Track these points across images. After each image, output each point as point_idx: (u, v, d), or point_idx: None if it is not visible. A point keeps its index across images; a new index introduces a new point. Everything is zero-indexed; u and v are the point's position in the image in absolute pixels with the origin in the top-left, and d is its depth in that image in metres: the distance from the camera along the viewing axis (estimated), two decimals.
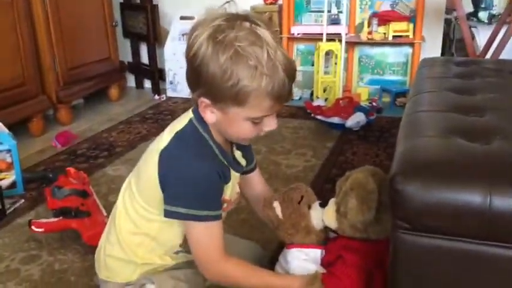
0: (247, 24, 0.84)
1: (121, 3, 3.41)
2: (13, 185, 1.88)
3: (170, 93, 3.33)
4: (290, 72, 0.86)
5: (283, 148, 2.40)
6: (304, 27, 3.15)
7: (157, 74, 3.36)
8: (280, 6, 3.15)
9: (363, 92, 3.14)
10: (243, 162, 1.07)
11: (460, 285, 0.81)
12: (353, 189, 0.99)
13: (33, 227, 1.51)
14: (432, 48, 3.01)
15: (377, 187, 0.98)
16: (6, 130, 1.95)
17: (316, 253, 1.06)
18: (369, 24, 3.01)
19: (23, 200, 1.84)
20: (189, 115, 0.96)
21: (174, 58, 3.24)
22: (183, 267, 1.07)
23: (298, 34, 3.12)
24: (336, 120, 2.61)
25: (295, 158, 2.27)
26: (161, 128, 2.49)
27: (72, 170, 1.80)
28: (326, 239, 1.09)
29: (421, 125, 1.04)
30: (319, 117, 2.67)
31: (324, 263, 1.05)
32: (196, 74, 0.86)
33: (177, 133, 0.93)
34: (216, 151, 0.95)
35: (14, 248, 1.54)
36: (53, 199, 1.60)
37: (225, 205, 1.01)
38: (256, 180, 1.16)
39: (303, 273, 1.02)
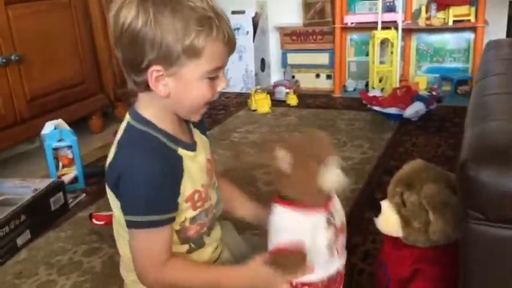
0: None
1: None
2: (75, 180, 1.94)
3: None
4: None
5: (338, 140, 2.34)
6: (357, 16, 3.06)
7: None
8: None
9: (421, 80, 3.02)
10: (203, 139, 1.00)
11: None
12: (435, 209, 0.90)
13: (94, 220, 1.55)
14: (496, 32, 2.84)
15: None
16: (67, 127, 2.02)
17: (320, 216, 0.87)
18: (427, 10, 2.89)
19: (84, 194, 1.90)
20: (126, 119, 0.90)
21: None
22: None
23: (352, 23, 3.04)
24: (393, 110, 2.52)
25: (351, 150, 2.21)
26: (214, 123, 2.49)
27: None
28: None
29: (490, 108, 0.97)
30: (375, 108, 2.59)
31: (394, 279, 0.98)
32: (140, 45, 0.79)
33: (118, 142, 0.88)
34: (164, 139, 0.88)
35: (76, 240, 1.58)
36: None
37: (199, 203, 0.92)
38: None
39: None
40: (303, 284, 0.89)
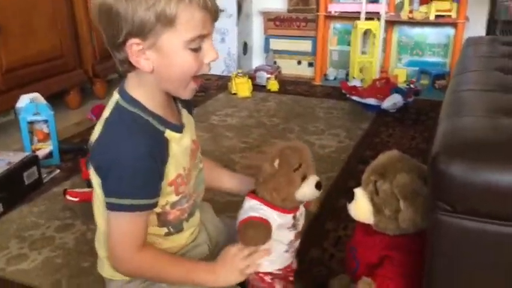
0: None
1: None
2: (50, 155, 1.92)
3: None
4: None
5: (316, 128, 2.36)
6: (342, 5, 3.07)
7: None
8: None
9: (400, 73, 3.05)
10: (190, 120, 0.99)
11: (505, 271, 0.78)
12: (406, 198, 0.92)
13: (67, 196, 1.54)
14: (476, 29, 2.89)
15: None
16: (44, 101, 1.98)
17: (287, 218, 0.97)
18: (410, 3, 2.91)
19: (58, 170, 1.88)
20: (114, 98, 0.88)
21: None
22: (188, 251, 1.01)
23: (335, 12, 3.05)
24: (371, 101, 2.55)
25: (328, 138, 2.23)
26: (194, 105, 2.46)
27: None
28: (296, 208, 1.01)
29: (465, 104, 0.99)
30: (354, 97, 2.61)
31: (363, 264, 1.01)
32: (115, 21, 0.79)
33: (106, 120, 0.86)
34: (154, 122, 0.86)
35: (49, 216, 1.57)
36: (87, 170, 1.62)
37: (181, 188, 0.92)
38: None
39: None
40: (266, 274, 0.99)
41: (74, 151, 2.03)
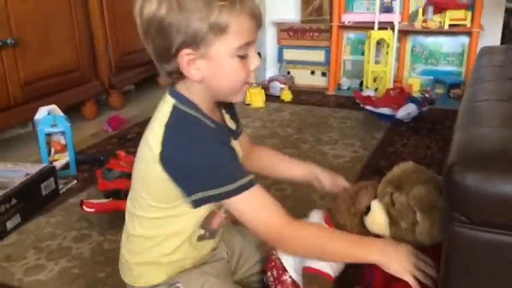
0: None
1: None
2: (66, 166, 1.95)
3: None
4: None
5: (330, 138, 2.36)
6: (355, 15, 3.08)
7: None
8: None
9: (415, 82, 3.05)
10: (233, 126, 1.01)
11: None
12: (423, 211, 0.92)
13: (84, 207, 1.55)
14: (491, 38, 2.88)
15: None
16: (61, 113, 2.01)
17: None
18: (424, 13, 2.91)
19: (75, 181, 1.90)
20: (170, 102, 0.89)
21: None
22: (210, 260, 1.02)
23: (349, 22, 3.05)
24: (386, 111, 2.54)
25: (342, 148, 2.23)
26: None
27: (122, 153, 1.84)
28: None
29: (481, 114, 0.99)
30: (368, 107, 2.61)
31: (377, 276, 1.00)
32: (167, 32, 0.81)
33: (167, 125, 0.86)
34: (211, 125, 0.89)
35: (66, 226, 1.59)
36: (103, 181, 1.64)
37: None
38: (245, 142, 1.09)
39: None
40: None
41: (90, 162, 2.05)
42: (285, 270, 1.02)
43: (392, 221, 0.96)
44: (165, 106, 0.89)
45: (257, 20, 0.85)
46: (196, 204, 0.88)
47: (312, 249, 0.92)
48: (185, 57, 0.82)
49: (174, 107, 0.88)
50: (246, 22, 0.82)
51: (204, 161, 0.84)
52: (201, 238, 0.98)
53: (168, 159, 0.86)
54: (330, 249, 0.92)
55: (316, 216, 1.06)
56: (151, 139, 0.87)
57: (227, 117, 1.00)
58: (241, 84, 0.88)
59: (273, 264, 1.04)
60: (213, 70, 0.84)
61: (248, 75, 0.88)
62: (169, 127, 0.86)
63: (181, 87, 0.89)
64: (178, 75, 0.86)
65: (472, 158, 0.78)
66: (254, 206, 0.87)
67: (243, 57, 0.85)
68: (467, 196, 0.74)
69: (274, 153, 1.19)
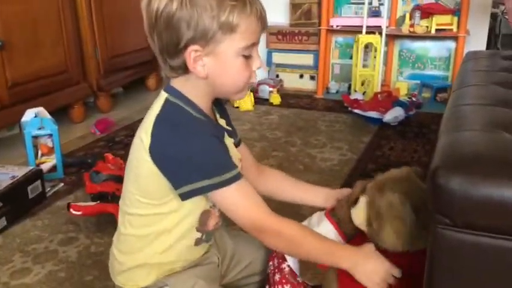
0: None
1: None
2: (53, 168, 1.94)
3: None
4: None
5: (318, 141, 2.37)
6: (343, 19, 3.10)
7: None
8: None
9: (402, 86, 3.07)
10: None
11: (504, 285, 0.78)
12: (387, 219, 0.93)
13: (71, 210, 1.54)
14: (477, 42, 2.92)
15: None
16: (48, 115, 2.00)
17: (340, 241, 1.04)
18: (411, 17, 2.94)
19: (62, 184, 1.89)
20: (163, 96, 0.90)
21: None
22: (200, 263, 1.01)
23: (337, 26, 3.08)
24: (373, 114, 2.56)
25: (330, 151, 2.24)
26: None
27: (110, 156, 1.83)
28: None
29: (465, 118, 1.00)
30: (356, 111, 2.63)
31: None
32: (176, 27, 0.82)
33: (157, 117, 0.88)
34: (203, 119, 0.90)
35: (53, 229, 1.58)
36: (91, 184, 1.64)
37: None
38: (245, 153, 1.10)
39: None
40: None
41: (77, 165, 2.04)
42: (284, 259, 1.03)
43: (368, 219, 0.98)
44: (159, 101, 0.91)
45: (264, 22, 0.88)
46: (185, 197, 0.88)
47: (289, 246, 0.92)
48: (192, 53, 0.84)
49: (166, 100, 0.90)
50: (253, 23, 0.85)
51: (192, 153, 0.85)
52: (198, 242, 0.98)
53: (157, 151, 0.87)
54: (304, 250, 0.92)
55: (317, 215, 1.07)
56: (143, 131, 0.89)
57: (222, 121, 1.01)
58: (244, 83, 0.90)
59: (274, 254, 1.04)
60: (218, 67, 0.87)
61: (251, 75, 0.90)
62: (160, 119, 0.88)
63: (178, 82, 0.90)
64: (182, 70, 0.87)
65: (455, 161, 0.79)
66: (239, 199, 0.88)
67: (247, 58, 0.88)
68: (451, 199, 0.76)
69: (282, 177, 1.16)
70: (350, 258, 0.93)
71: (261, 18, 0.86)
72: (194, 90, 0.90)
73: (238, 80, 0.89)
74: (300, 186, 1.15)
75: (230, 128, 1.03)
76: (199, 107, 0.90)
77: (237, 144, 1.06)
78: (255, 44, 0.88)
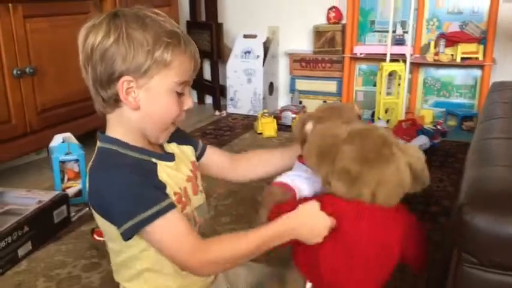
0: (130, 9, 0.88)
1: (187, 22, 3.52)
2: (79, 193, 1.97)
3: (230, 110, 3.38)
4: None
5: None
6: (367, 47, 3.11)
7: (218, 91, 3.42)
8: (344, 26, 3.13)
9: (427, 114, 3.04)
10: (184, 150, 1.02)
11: None
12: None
13: (95, 236, 1.56)
14: (503, 71, 2.88)
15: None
16: (75, 141, 2.05)
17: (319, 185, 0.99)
18: (436, 45, 2.93)
19: (87, 209, 1.91)
20: (96, 146, 0.93)
21: (235, 75, 3.30)
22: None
23: (361, 54, 3.08)
24: None
25: None
26: (220, 144, 2.51)
27: None
28: None
29: (491, 152, 0.99)
30: None
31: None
32: (111, 59, 0.84)
33: (90, 168, 0.90)
34: (135, 155, 0.90)
35: (76, 254, 1.60)
36: None
37: (186, 208, 0.94)
38: (214, 156, 1.11)
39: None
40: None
41: None
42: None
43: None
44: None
45: (196, 63, 0.91)
46: (125, 237, 0.85)
47: (230, 262, 0.89)
48: (125, 83, 0.86)
49: (98, 148, 0.92)
50: (187, 62, 0.88)
51: (116, 191, 0.84)
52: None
53: (92, 197, 0.89)
54: (243, 254, 0.88)
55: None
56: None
57: (173, 145, 1.00)
58: (170, 120, 0.92)
59: None
60: (149, 101, 0.88)
61: (179, 114, 0.92)
62: (92, 168, 0.90)
63: (112, 120, 0.92)
64: (114, 102, 0.88)
65: (481, 198, 0.78)
66: (169, 231, 0.85)
67: (179, 95, 0.90)
68: (476, 237, 0.74)
69: (251, 156, 1.17)
70: (293, 233, 0.89)
71: (194, 58, 0.90)
72: (126, 126, 0.90)
73: (166, 116, 0.91)
74: (266, 155, 1.15)
75: (189, 148, 1.04)
76: (131, 143, 0.90)
77: (200, 154, 1.07)
78: (187, 83, 0.90)
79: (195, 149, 1.07)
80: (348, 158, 0.87)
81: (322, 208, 0.89)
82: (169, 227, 0.85)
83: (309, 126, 1.00)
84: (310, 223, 0.89)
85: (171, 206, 0.85)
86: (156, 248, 0.88)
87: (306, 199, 0.95)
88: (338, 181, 0.89)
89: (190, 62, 0.89)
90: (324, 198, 0.91)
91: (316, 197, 0.96)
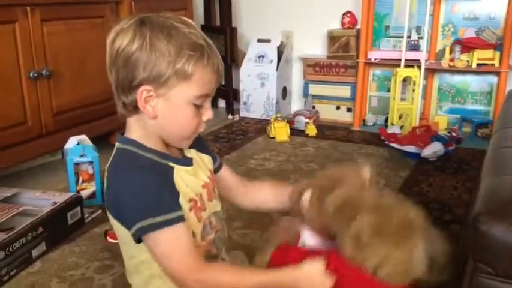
0: (159, 17, 0.88)
1: (202, 26, 3.53)
2: (93, 195, 1.99)
3: (243, 114, 3.39)
4: (215, 48, 0.90)
5: None
6: (381, 52, 3.10)
7: (232, 95, 3.43)
8: (358, 31, 3.12)
9: (441, 120, 3.02)
10: (203, 157, 1.02)
11: None
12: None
13: (108, 238, 1.57)
14: None
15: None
16: (90, 143, 2.07)
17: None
18: (451, 51, 2.90)
19: (100, 211, 1.93)
20: (115, 147, 0.94)
21: (248, 79, 3.31)
22: None
23: (375, 59, 3.07)
24: (411, 148, 2.52)
25: None
26: (233, 148, 2.52)
27: None
28: None
29: (506, 162, 0.98)
30: (393, 144, 2.60)
31: None
32: (133, 66, 0.85)
33: (109, 166, 0.91)
34: (154, 157, 0.90)
35: (90, 256, 1.61)
36: None
37: (201, 213, 0.94)
38: (227, 176, 1.10)
39: None
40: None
41: None
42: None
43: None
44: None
45: (219, 77, 0.90)
46: (136, 239, 0.86)
47: None
48: (144, 92, 0.86)
49: (116, 149, 0.93)
50: (209, 75, 0.88)
51: (129, 192, 0.85)
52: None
53: (108, 195, 0.91)
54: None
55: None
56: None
57: (193, 151, 1.00)
58: (190, 132, 0.92)
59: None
60: (168, 111, 0.88)
61: (199, 125, 0.92)
62: (110, 167, 0.91)
63: (132, 123, 0.92)
64: (133, 108, 0.89)
65: (498, 207, 0.77)
66: (172, 245, 0.85)
67: (198, 107, 0.89)
68: (492, 247, 0.74)
69: (267, 188, 1.14)
70: (289, 284, 0.88)
71: (217, 72, 0.89)
72: (145, 130, 0.91)
73: (185, 128, 0.91)
74: (280, 191, 1.10)
75: (207, 157, 1.03)
76: (149, 146, 0.91)
77: (217, 169, 1.07)
78: (208, 95, 0.90)
79: (213, 162, 1.07)
80: (365, 225, 0.85)
81: (327, 267, 0.88)
82: (175, 239, 0.85)
83: (306, 196, 0.95)
84: (313, 283, 0.88)
85: (181, 219, 0.86)
86: (155, 256, 0.87)
87: (313, 252, 0.92)
88: (347, 243, 0.87)
89: (213, 75, 0.89)
90: (330, 258, 0.89)
91: (323, 252, 0.92)
